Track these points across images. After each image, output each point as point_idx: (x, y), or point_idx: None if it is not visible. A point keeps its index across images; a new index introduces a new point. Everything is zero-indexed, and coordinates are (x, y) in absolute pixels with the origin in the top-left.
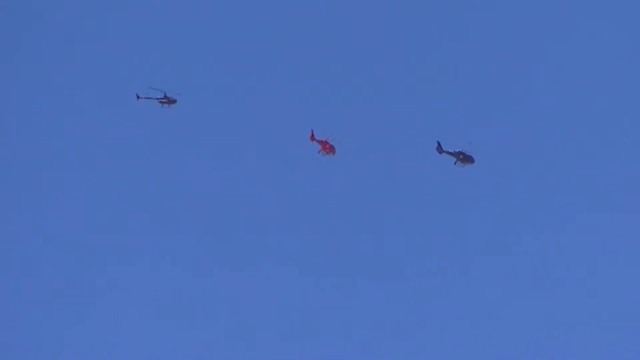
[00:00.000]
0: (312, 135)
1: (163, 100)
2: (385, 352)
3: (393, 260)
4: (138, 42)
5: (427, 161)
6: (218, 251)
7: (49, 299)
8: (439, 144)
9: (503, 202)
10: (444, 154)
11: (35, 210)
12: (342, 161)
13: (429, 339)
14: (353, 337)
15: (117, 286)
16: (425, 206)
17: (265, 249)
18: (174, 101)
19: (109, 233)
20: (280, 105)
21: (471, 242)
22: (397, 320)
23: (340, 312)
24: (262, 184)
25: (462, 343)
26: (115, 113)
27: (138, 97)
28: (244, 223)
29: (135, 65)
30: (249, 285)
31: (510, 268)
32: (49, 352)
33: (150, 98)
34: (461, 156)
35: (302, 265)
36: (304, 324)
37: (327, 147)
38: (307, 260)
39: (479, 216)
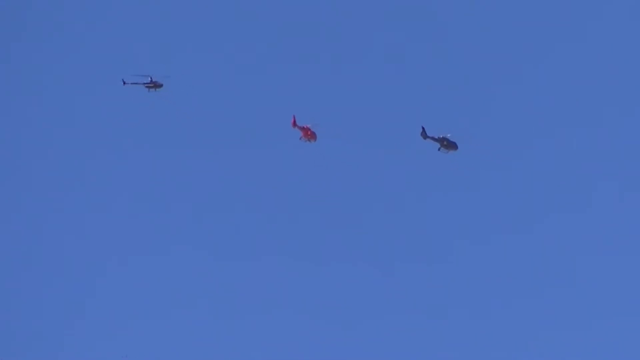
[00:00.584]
0: (294, 121)
1: (149, 85)
2: (384, 344)
3: (380, 249)
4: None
5: (411, 147)
6: (217, 244)
7: (48, 299)
8: (423, 129)
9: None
10: (428, 139)
11: (34, 209)
12: (323, 148)
13: (431, 332)
14: (354, 329)
15: (117, 286)
16: (408, 194)
17: (255, 238)
18: (161, 85)
19: (106, 231)
20: (263, 89)
21: (470, 231)
22: (395, 311)
23: (339, 300)
24: (247, 172)
25: (462, 338)
26: (103, 100)
27: (124, 82)
28: (233, 214)
29: (116, 51)
30: (247, 279)
31: (507, 261)
32: (49, 352)
33: (136, 83)
34: (445, 142)
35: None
36: (306, 316)
37: (309, 134)
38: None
39: (475, 204)
